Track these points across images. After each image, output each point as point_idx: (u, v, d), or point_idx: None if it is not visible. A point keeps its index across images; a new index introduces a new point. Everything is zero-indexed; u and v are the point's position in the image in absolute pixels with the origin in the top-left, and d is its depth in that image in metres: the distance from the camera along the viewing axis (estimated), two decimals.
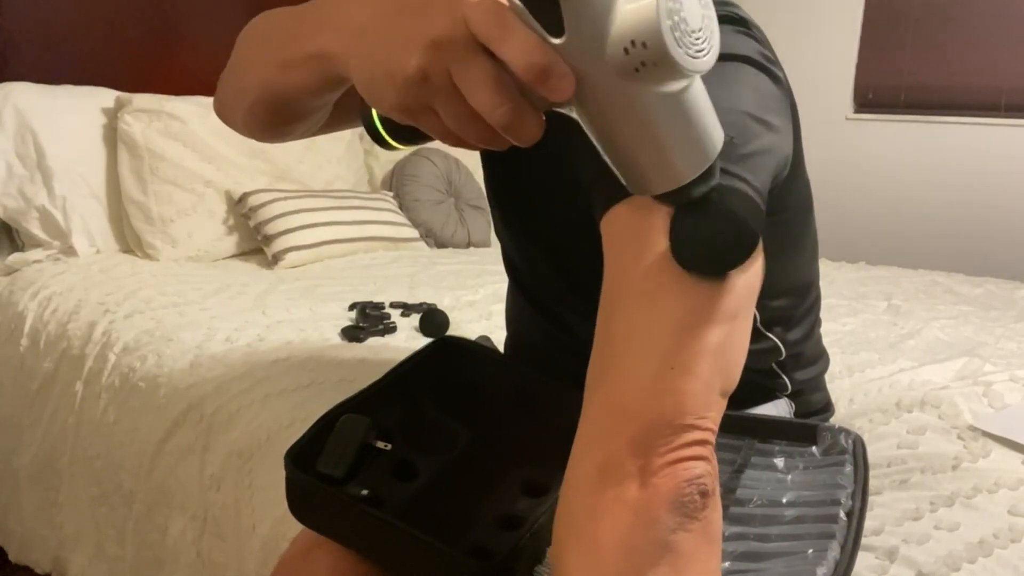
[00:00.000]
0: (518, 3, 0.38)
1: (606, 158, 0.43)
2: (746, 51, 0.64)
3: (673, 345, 0.50)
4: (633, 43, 0.36)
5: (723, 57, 0.62)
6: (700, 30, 0.38)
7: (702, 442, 0.50)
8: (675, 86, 0.39)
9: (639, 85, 0.38)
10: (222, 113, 0.73)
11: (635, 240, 0.53)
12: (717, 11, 0.67)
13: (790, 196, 0.75)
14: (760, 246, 0.50)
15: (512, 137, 0.41)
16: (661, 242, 0.51)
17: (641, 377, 0.51)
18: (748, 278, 0.53)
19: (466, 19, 0.40)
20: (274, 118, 0.64)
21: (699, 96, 0.41)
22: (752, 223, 0.45)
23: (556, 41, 0.38)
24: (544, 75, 0.37)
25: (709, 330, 0.50)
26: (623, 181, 0.44)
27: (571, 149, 0.61)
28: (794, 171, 0.73)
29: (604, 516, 0.49)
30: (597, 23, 0.37)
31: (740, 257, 0.46)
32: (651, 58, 0.36)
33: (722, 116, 0.52)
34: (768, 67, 0.66)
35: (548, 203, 0.77)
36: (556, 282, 0.84)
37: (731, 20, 0.67)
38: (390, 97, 0.43)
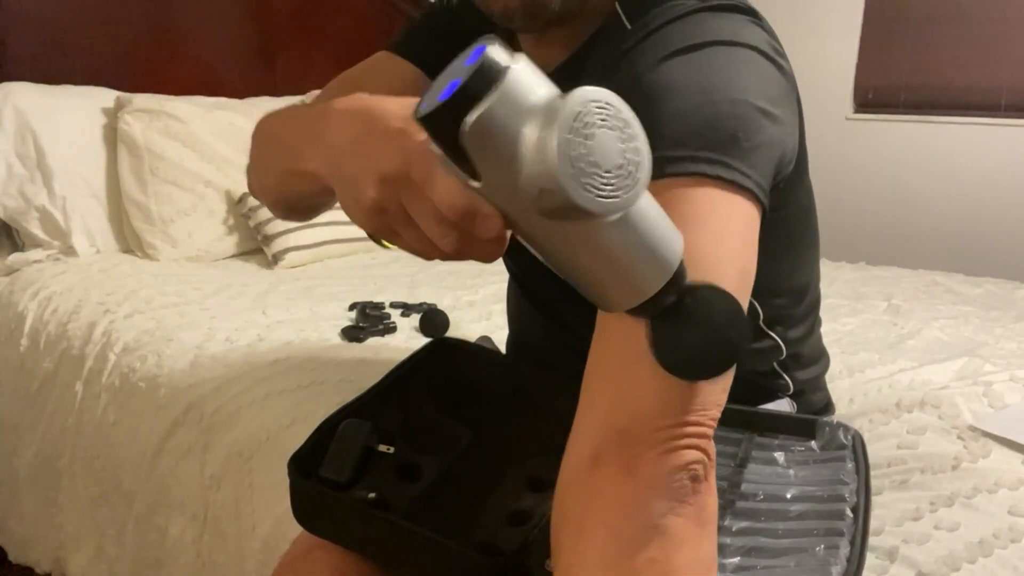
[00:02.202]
0: (437, 151, 0.38)
1: (567, 280, 0.42)
2: (755, 41, 0.64)
3: None
4: (540, 190, 0.36)
5: (733, 44, 0.62)
6: (618, 168, 0.36)
7: (697, 435, 0.50)
8: (605, 219, 0.38)
9: (565, 223, 0.38)
10: (255, 196, 0.81)
11: None
12: (727, 0, 0.66)
13: (794, 195, 0.75)
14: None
15: (469, 259, 0.42)
16: None
17: (637, 373, 0.51)
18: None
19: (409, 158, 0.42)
20: (294, 210, 0.74)
21: (645, 213, 0.39)
22: (732, 329, 0.42)
23: (476, 184, 0.38)
24: (467, 216, 0.39)
25: None
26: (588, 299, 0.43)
27: None
28: (799, 170, 0.72)
29: (594, 504, 0.50)
30: (506, 170, 0.37)
31: (724, 364, 0.43)
32: (559, 203, 0.36)
33: (727, 106, 0.51)
34: (776, 59, 0.66)
35: None
36: (553, 280, 0.84)
37: (741, 10, 0.67)
38: (358, 221, 0.46)
